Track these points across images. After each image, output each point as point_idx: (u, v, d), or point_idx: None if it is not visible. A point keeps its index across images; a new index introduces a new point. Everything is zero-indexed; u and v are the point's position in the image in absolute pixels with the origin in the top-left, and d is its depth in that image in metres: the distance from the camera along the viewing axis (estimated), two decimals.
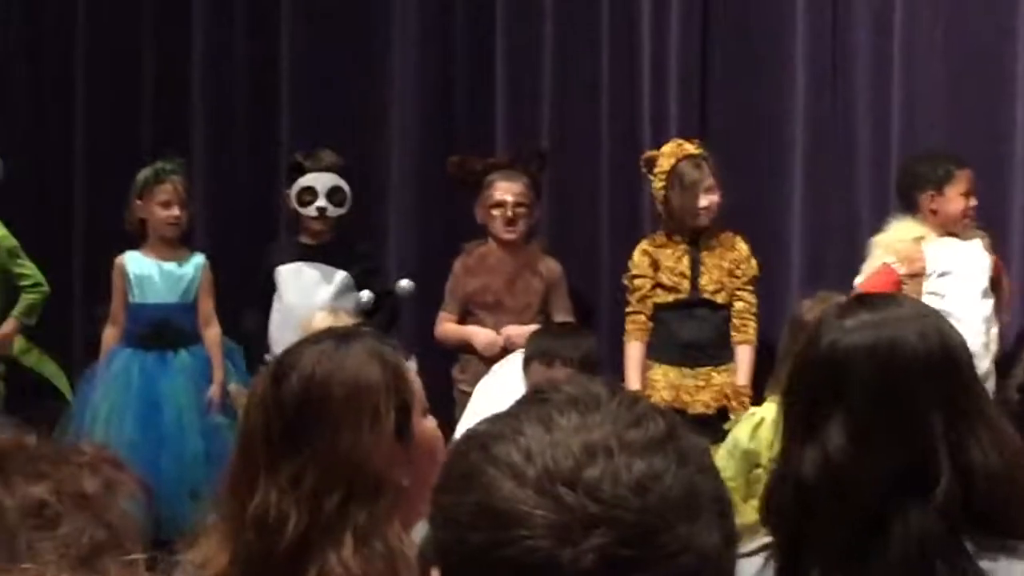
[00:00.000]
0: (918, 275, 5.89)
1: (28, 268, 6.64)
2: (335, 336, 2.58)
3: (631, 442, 1.31)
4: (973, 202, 5.95)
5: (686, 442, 1.34)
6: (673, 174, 6.14)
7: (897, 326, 2.38)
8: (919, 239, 5.97)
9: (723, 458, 4.52)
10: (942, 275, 5.93)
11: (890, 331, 2.38)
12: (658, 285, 6.16)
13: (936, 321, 2.44)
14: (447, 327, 6.44)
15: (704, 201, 6.10)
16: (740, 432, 4.51)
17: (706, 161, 6.14)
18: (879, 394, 2.33)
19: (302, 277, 6.49)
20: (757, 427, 4.41)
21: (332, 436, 2.43)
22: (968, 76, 6.42)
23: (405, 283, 6.35)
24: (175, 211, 6.39)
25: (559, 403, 1.35)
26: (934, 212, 5.97)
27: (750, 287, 6.14)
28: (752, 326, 6.09)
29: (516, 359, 5.16)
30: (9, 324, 6.66)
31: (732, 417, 5.62)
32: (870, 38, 6.55)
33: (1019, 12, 6.32)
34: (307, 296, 6.39)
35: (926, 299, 5.72)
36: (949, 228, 5.97)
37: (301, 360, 2.50)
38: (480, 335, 6.32)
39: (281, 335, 6.24)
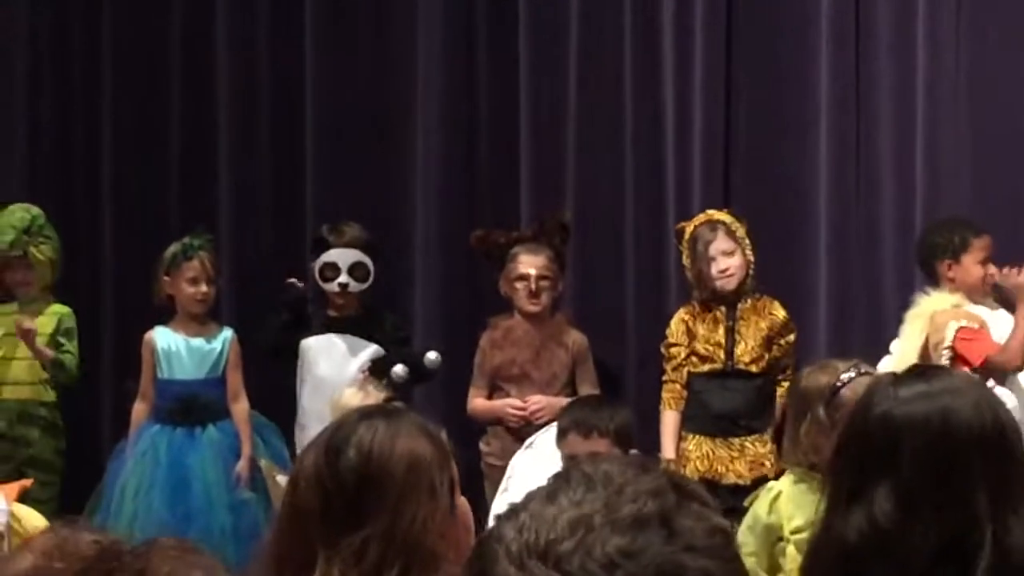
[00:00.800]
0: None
1: (72, 349, 6.69)
2: (383, 412, 2.61)
3: (617, 518, 1.34)
4: (992, 269, 5.93)
5: (684, 521, 1.35)
6: (691, 240, 6.18)
7: (952, 398, 2.40)
8: (957, 307, 5.92)
9: (744, 533, 4.51)
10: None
11: (945, 402, 2.40)
12: (693, 354, 6.17)
13: (989, 395, 2.46)
14: (477, 403, 6.46)
15: (721, 265, 6.11)
16: (759, 507, 4.49)
17: (724, 225, 6.16)
18: (931, 464, 2.35)
19: (333, 349, 6.52)
20: (775, 500, 4.39)
21: (394, 510, 2.45)
22: (991, 142, 6.43)
23: (432, 356, 6.37)
24: (203, 287, 6.44)
25: (573, 478, 1.39)
26: (952, 280, 5.94)
27: (790, 351, 6.14)
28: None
29: (549, 432, 5.17)
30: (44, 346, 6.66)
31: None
32: (892, 105, 6.57)
33: None
34: (339, 368, 6.42)
35: None
36: (970, 297, 5.95)
37: (355, 435, 2.51)
38: (507, 408, 6.34)
39: (312, 406, 6.30)
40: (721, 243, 6.12)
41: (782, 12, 6.77)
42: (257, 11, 7.44)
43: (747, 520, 4.60)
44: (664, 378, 6.25)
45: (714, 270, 6.12)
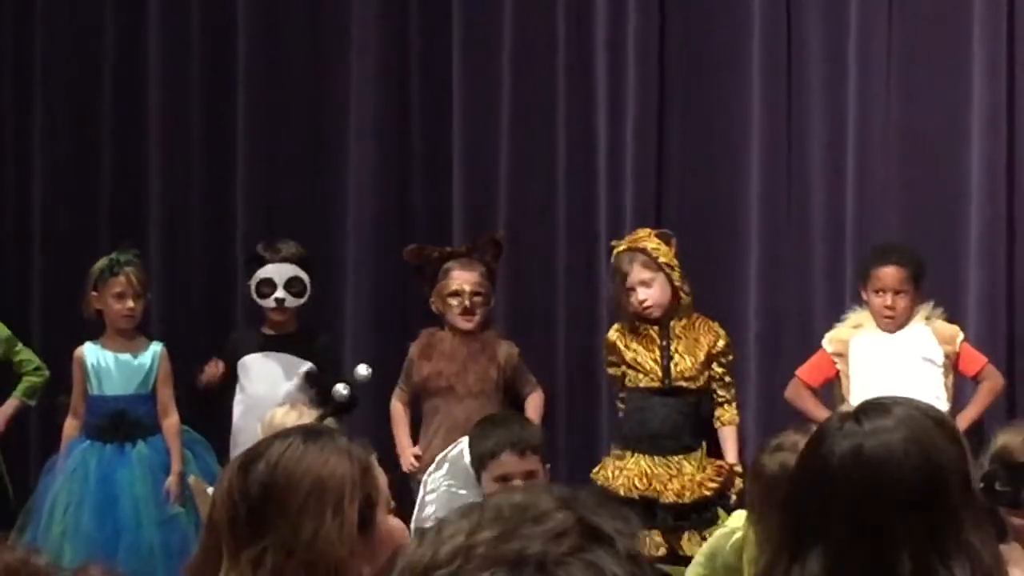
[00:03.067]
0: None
1: (27, 354, 6.68)
2: (304, 431, 2.64)
3: (498, 554, 1.34)
4: (888, 300, 6.00)
5: (570, 569, 1.34)
6: (613, 267, 6.22)
7: (884, 449, 2.36)
8: (857, 327, 6.08)
9: (704, 561, 4.50)
10: (860, 368, 6.02)
11: (876, 455, 2.36)
12: (630, 368, 6.14)
13: (926, 438, 2.40)
14: (395, 407, 6.48)
15: (640, 296, 6.07)
16: (723, 544, 4.46)
17: (642, 253, 6.11)
18: (859, 526, 2.32)
19: (268, 368, 6.53)
20: (740, 545, 4.38)
21: (294, 523, 2.48)
22: (920, 163, 6.49)
23: (363, 369, 6.35)
24: (129, 303, 6.40)
25: (486, 506, 1.40)
26: (867, 302, 6.11)
27: (729, 369, 6.15)
28: (731, 410, 6.10)
29: (458, 448, 5.17)
30: (10, 405, 6.67)
31: (731, 496, 5.68)
32: (823, 127, 6.62)
33: (972, 93, 6.39)
34: (273, 387, 6.43)
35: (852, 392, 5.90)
36: (876, 323, 6.07)
37: (268, 451, 2.55)
38: (404, 453, 6.38)
39: (246, 424, 6.27)
40: (638, 273, 6.09)
41: (715, 37, 6.81)
42: (190, 33, 7.40)
43: (707, 549, 4.58)
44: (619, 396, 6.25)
45: (634, 301, 6.10)
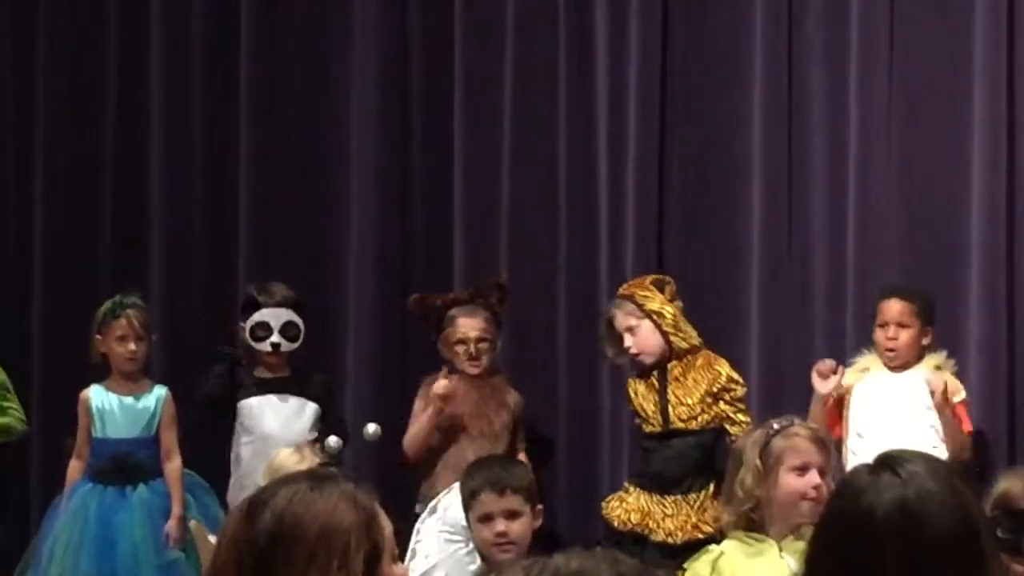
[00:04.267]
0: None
1: (15, 404, 6.63)
2: (310, 477, 2.61)
3: None
4: (891, 332, 5.99)
5: None
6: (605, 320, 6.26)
7: (929, 502, 2.45)
8: (863, 370, 6.08)
9: None
10: (861, 412, 6.01)
11: (921, 499, 2.44)
12: (638, 416, 6.23)
13: (956, 485, 2.50)
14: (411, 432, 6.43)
15: (627, 343, 6.13)
16: (700, 568, 4.51)
17: (627, 300, 6.17)
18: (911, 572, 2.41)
19: (278, 407, 6.54)
20: (717, 560, 4.42)
21: (301, 574, 2.45)
22: (922, 197, 6.48)
23: (372, 428, 6.34)
24: (131, 345, 6.41)
25: (549, 566, 1.43)
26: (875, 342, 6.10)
27: (742, 407, 6.14)
28: None
29: (451, 494, 5.17)
30: None
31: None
32: (824, 167, 6.62)
33: (972, 135, 6.38)
34: (286, 425, 6.46)
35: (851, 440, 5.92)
36: (880, 358, 6.04)
37: (275, 499, 2.52)
38: (437, 386, 6.32)
39: (256, 464, 6.23)
40: (622, 321, 6.15)
41: (716, 70, 6.80)
42: (191, 68, 7.41)
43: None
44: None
45: (624, 346, 6.16)
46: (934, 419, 5.96)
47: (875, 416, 6.00)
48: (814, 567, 2.48)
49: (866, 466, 2.58)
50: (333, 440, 5.63)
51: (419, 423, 6.40)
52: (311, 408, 6.53)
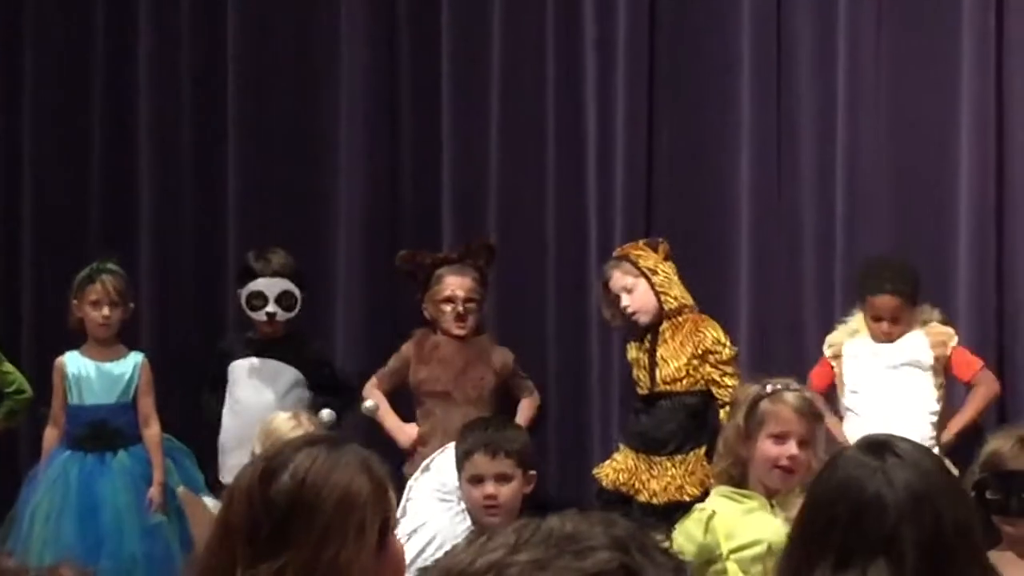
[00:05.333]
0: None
1: (12, 373, 6.60)
2: (327, 442, 2.59)
3: (500, 563, 1.35)
4: (885, 327, 6.01)
5: None
6: (601, 279, 6.26)
7: (938, 493, 2.59)
8: (853, 333, 6.09)
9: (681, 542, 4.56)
10: (852, 373, 6.03)
11: (935, 502, 2.58)
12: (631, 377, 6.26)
13: (942, 464, 2.73)
14: (372, 393, 6.42)
15: (623, 302, 6.13)
16: (693, 528, 4.49)
17: (624, 259, 6.17)
18: (929, 557, 2.54)
19: (254, 373, 6.51)
20: (710, 520, 4.39)
21: (318, 543, 2.44)
22: (911, 163, 6.45)
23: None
24: (104, 311, 6.36)
25: (541, 528, 1.40)
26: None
27: (729, 370, 6.10)
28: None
29: (445, 454, 5.16)
30: None
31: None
32: (813, 128, 6.58)
33: (961, 90, 6.35)
34: (258, 392, 6.43)
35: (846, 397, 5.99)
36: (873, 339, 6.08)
37: (293, 461, 2.50)
38: (401, 431, 6.33)
39: (231, 427, 6.35)
40: (619, 280, 6.15)
41: (704, 37, 6.77)
42: (180, 44, 7.37)
43: (678, 537, 4.62)
44: None
45: (621, 308, 6.14)
46: (922, 376, 5.98)
47: (868, 380, 6.02)
48: (813, 549, 2.58)
49: (861, 451, 2.65)
50: (326, 413, 5.60)
51: (384, 414, 6.35)
52: (289, 374, 6.49)
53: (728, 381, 6.06)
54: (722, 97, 6.69)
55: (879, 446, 2.65)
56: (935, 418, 5.97)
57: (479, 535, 1.41)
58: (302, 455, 2.51)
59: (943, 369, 6.02)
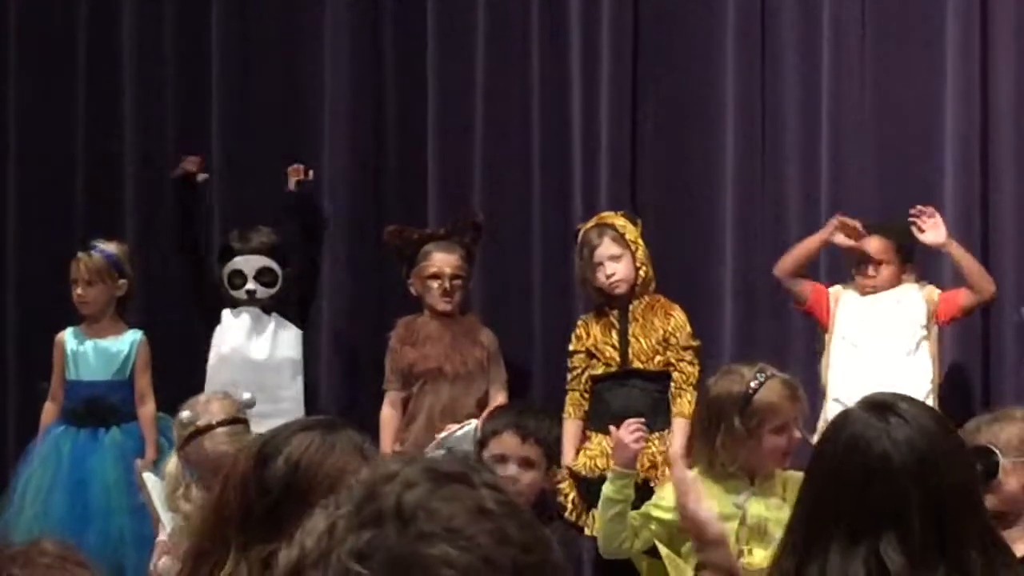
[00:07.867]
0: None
1: None
2: (322, 426, 2.60)
3: (353, 523, 1.37)
4: (870, 270, 5.99)
5: (432, 505, 1.35)
6: (580, 245, 6.20)
7: (942, 455, 2.61)
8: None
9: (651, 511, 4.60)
10: (849, 319, 6.01)
11: (940, 462, 2.60)
12: (591, 356, 6.16)
13: (944, 421, 2.73)
14: (386, 412, 6.39)
15: (608, 270, 6.09)
16: (668, 495, 4.52)
17: (612, 229, 6.14)
18: (936, 520, 2.55)
19: (237, 323, 6.54)
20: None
21: None
22: (895, 136, 6.45)
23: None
24: (78, 290, 6.42)
25: (342, 492, 1.42)
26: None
27: (687, 357, 6.11)
28: (687, 398, 6.04)
29: (461, 433, 5.13)
30: None
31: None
32: (797, 104, 6.59)
33: (945, 61, 6.36)
34: (240, 346, 6.51)
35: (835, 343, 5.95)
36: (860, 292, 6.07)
37: (288, 446, 2.52)
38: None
39: (215, 376, 6.37)
40: (607, 248, 6.12)
41: (688, 15, 6.77)
42: (164, 35, 7.38)
43: (653, 507, 4.67)
44: (566, 387, 6.23)
45: (601, 276, 6.11)
46: (919, 332, 5.94)
47: (863, 332, 5.98)
48: (818, 512, 2.60)
49: (863, 411, 2.67)
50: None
51: (385, 433, 6.31)
52: (272, 326, 6.51)
53: (687, 368, 6.07)
54: (706, 72, 6.69)
55: (882, 406, 2.66)
56: (930, 361, 5.92)
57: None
58: (297, 440, 2.52)
59: (934, 315, 5.97)
